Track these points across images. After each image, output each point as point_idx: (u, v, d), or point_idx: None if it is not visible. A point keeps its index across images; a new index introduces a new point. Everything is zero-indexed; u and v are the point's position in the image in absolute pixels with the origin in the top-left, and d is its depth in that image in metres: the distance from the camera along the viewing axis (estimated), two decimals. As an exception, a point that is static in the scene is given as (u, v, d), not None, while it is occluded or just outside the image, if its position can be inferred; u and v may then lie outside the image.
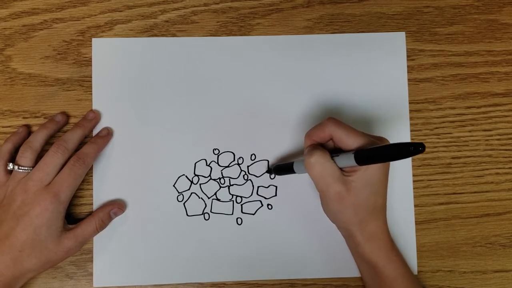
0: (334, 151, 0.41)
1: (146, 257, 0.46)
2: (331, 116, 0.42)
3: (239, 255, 0.47)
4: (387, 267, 0.42)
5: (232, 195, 0.48)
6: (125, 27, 0.48)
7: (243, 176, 0.48)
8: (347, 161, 0.39)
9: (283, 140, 0.48)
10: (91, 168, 0.47)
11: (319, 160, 0.40)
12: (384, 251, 0.43)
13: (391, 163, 0.47)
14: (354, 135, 0.40)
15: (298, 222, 0.47)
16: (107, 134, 0.47)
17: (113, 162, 0.47)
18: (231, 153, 0.48)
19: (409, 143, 0.33)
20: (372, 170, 0.40)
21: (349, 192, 0.40)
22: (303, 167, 0.42)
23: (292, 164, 0.44)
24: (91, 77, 0.48)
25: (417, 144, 0.33)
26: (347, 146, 0.40)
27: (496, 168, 0.49)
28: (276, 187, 0.48)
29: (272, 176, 0.48)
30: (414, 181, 0.48)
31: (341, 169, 0.40)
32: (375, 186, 0.41)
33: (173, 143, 0.47)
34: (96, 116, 0.47)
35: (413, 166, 0.48)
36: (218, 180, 0.48)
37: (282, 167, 0.46)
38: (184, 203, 0.47)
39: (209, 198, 0.47)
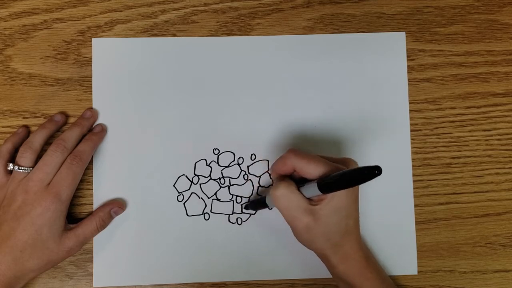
0: (302, 181, 0.41)
1: (146, 257, 0.46)
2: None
3: (239, 255, 0.47)
4: (364, 285, 0.42)
5: (232, 195, 0.48)
6: (125, 27, 0.48)
7: (243, 176, 0.48)
8: (312, 190, 0.38)
9: (283, 140, 0.48)
10: (91, 168, 0.47)
11: (284, 193, 0.39)
12: (359, 270, 0.42)
13: (391, 162, 0.48)
14: (315, 164, 0.39)
15: (298, 222, 0.47)
16: (101, 130, 0.47)
17: (113, 162, 0.47)
18: (231, 153, 0.48)
19: (365, 167, 0.33)
20: (339, 195, 0.39)
21: (317, 221, 0.40)
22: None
23: (265, 198, 0.44)
24: (91, 77, 0.48)
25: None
26: (310, 175, 0.39)
27: (496, 168, 0.49)
28: (276, 187, 0.48)
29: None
30: (414, 181, 0.48)
31: (309, 198, 0.40)
32: (345, 211, 0.40)
33: (173, 142, 0.47)
34: (93, 114, 0.47)
35: (413, 166, 0.48)
36: (218, 180, 0.48)
37: (256, 203, 0.45)
38: (184, 203, 0.47)
39: (209, 198, 0.47)
